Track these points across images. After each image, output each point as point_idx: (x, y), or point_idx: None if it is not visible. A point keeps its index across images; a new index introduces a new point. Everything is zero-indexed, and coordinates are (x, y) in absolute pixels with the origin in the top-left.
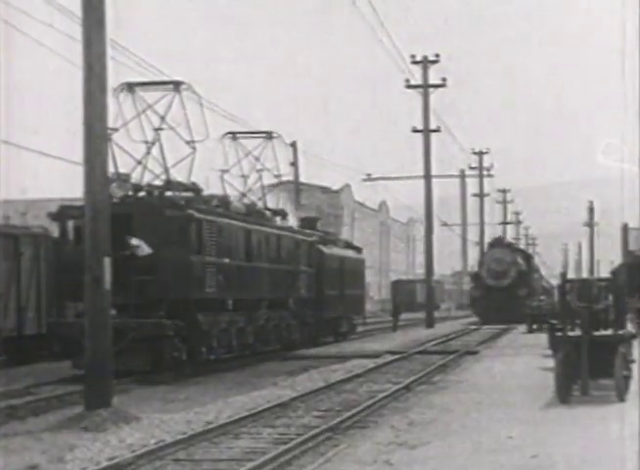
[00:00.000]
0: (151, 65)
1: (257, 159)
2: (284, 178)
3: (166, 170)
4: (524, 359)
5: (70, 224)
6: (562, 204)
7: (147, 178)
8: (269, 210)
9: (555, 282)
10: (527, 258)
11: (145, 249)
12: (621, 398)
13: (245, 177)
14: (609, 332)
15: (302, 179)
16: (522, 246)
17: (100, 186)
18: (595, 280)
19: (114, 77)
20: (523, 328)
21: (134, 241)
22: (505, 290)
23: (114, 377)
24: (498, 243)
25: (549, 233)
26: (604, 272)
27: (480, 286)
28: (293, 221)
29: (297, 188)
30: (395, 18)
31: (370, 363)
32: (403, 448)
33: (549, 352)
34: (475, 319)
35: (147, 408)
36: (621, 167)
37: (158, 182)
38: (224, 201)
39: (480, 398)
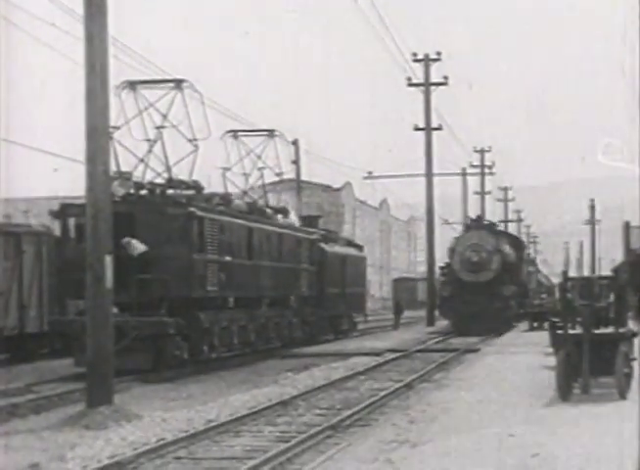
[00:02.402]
0: (152, 63)
1: (259, 157)
2: (285, 176)
3: (168, 168)
4: (525, 357)
5: (72, 222)
6: (563, 202)
7: (149, 176)
8: (271, 207)
9: (556, 280)
10: (518, 245)
11: (138, 247)
12: (623, 395)
13: (246, 175)
14: (610, 330)
15: (304, 177)
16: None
17: (102, 184)
18: (596, 278)
19: (115, 75)
20: (524, 326)
21: (126, 239)
22: (485, 287)
23: (115, 375)
24: (476, 224)
25: (550, 231)
26: (605, 270)
27: (451, 282)
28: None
29: (298, 186)
30: (397, 16)
31: (371, 361)
32: (404, 446)
33: (550, 349)
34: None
35: (148, 406)
36: (622, 167)
37: (159, 180)
38: (226, 199)
39: (481, 395)
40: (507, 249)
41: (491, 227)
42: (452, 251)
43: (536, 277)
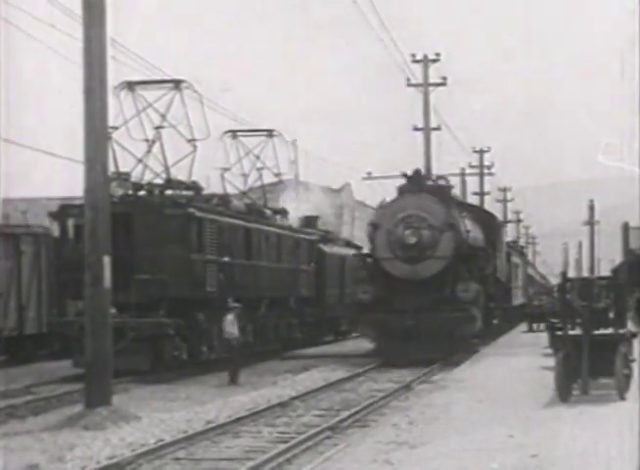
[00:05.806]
0: (151, 63)
1: (258, 157)
2: (284, 177)
3: (167, 169)
4: (524, 358)
5: (71, 223)
6: (562, 202)
7: (147, 177)
8: (270, 208)
9: (555, 281)
10: (488, 222)
11: (232, 333)
12: (622, 396)
13: (245, 176)
14: (609, 331)
15: (302, 178)
16: (522, 245)
17: (100, 185)
18: (596, 279)
19: (114, 76)
20: (523, 327)
21: (226, 323)
22: (428, 287)
23: (114, 376)
24: (414, 185)
25: (549, 232)
26: (604, 271)
27: (373, 279)
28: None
29: (297, 187)
30: (396, 16)
31: (370, 362)
32: (404, 448)
33: (549, 350)
34: None
35: (147, 407)
36: (621, 167)
37: (158, 181)
38: (224, 199)
39: (480, 396)
40: (467, 225)
41: (440, 190)
42: (374, 227)
43: (525, 272)
